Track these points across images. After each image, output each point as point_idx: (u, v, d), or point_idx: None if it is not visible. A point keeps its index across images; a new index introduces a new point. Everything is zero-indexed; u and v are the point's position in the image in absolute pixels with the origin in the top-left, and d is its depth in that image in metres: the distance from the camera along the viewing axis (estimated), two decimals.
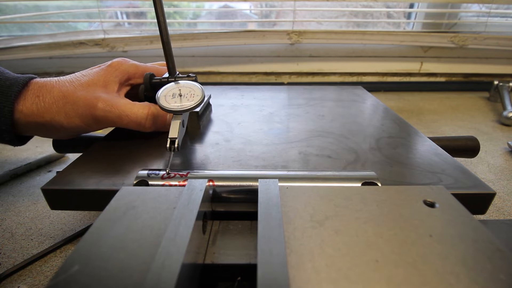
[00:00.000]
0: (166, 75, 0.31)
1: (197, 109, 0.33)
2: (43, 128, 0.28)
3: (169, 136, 0.24)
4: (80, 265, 0.13)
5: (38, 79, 0.28)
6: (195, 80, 0.30)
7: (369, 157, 0.28)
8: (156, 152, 0.29)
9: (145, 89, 0.31)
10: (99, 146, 0.30)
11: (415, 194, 0.19)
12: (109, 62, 0.31)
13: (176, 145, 0.24)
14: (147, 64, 0.35)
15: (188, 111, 0.26)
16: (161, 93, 0.27)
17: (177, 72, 0.31)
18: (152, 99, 0.29)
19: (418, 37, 0.75)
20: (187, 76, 0.30)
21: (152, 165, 0.26)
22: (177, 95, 0.26)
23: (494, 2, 0.73)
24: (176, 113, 0.25)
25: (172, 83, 0.28)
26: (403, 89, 0.83)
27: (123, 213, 0.17)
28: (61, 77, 0.29)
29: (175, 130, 0.24)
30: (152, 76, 0.31)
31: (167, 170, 0.23)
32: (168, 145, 0.24)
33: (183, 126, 0.27)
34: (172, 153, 0.24)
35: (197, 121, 0.33)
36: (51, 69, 0.76)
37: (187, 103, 0.26)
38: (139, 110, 0.29)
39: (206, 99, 0.38)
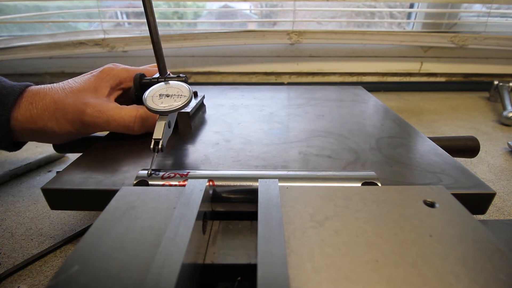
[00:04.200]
0: (157, 75, 0.31)
1: (188, 110, 0.33)
2: (36, 134, 0.29)
3: (153, 137, 0.24)
4: (80, 265, 0.13)
5: (33, 87, 0.29)
6: (185, 81, 0.30)
7: (369, 157, 0.28)
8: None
9: (135, 89, 0.31)
10: (99, 146, 0.30)
11: (415, 194, 0.19)
12: (100, 68, 0.32)
13: (160, 146, 0.24)
14: (138, 67, 0.35)
15: (175, 112, 0.26)
16: (148, 94, 0.27)
17: (168, 73, 0.31)
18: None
19: (418, 37, 0.75)
20: (177, 76, 0.30)
21: (152, 165, 0.26)
22: (164, 96, 0.26)
23: (494, 2, 0.73)
24: (162, 113, 0.25)
25: (161, 83, 0.28)
26: (403, 89, 0.83)
27: (123, 213, 0.17)
28: (55, 84, 0.30)
29: (159, 131, 0.24)
30: (142, 76, 0.31)
31: (149, 172, 0.23)
32: (152, 146, 0.24)
33: (169, 127, 0.26)
34: (156, 154, 0.24)
35: (188, 122, 0.33)
36: (51, 69, 0.76)
37: (173, 104, 0.25)
38: (126, 114, 0.30)
39: (198, 99, 0.38)
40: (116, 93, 0.32)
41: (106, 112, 0.29)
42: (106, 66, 0.32)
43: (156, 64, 0.31)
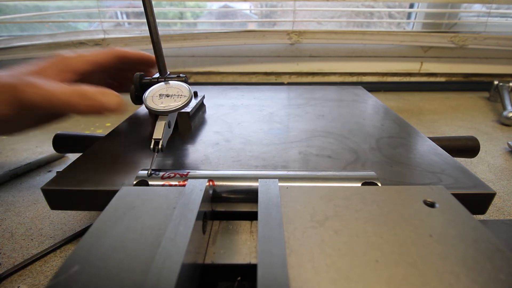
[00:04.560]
0: (157, 75, 0.31)
1: (188, 110, 0.33)
2: None
3: (153, 137, 0.24)
4: (80, 265, 0.13)
5: None
6: (185, 81, 0.30)
7: (369, 157, 0.28)
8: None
9: (135, 89, 0.31)
10: (99, 146, 0.30)
11: (415, 194, 0.19)
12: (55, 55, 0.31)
13: (160, 146, 0.24)
14: (95, 51, 0.33)
15: (175, 112, 0.26)
16: (148, 93, 0.27)
17: (168, 72, 0.31)
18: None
19: (418, 37, 0.75)
20: (177, 76, 0.30)
21: (152, 165, 0.26)
22: (164, 96, 0.26)
23: (494, 2, 0.73)
24: (162, 113, 0.25)
25: (161, 83, 0.28)
26: (403, 89, 0.83)
27: (123, 213, 0.17)
28: (7, 69, 0.28)
29: (159, 131, 0.24)
30: (142, 76, 0.31)
31: (149, 172, 0.23)
32: (151, 146, 0.24)
33: (169, 127, 0.26)
34: (156, 154, 0.24)
35: (188, 122, 0.33)
36: None
37: (173, 104, 0.25)
38: (68, 88, 0.27)
39: (198, 99, 0.38)
40: (67, 76, 0.30)
41: (45, 87, 0.26)
42: (60, 52, 0.31)
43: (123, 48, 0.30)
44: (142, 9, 0.27)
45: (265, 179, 0.20)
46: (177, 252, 0.13)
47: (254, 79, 0.81)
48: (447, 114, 0.65)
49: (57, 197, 0.24)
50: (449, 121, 0.61)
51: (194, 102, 0.37)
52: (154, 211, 0.17)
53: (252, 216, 0.21)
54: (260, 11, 0.82)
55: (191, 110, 0.34)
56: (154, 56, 0.32)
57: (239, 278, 0.17)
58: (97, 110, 0.28)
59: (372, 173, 0.22)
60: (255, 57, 0.79)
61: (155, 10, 0.28)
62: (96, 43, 0.70)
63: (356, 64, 0.81)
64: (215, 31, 0.72)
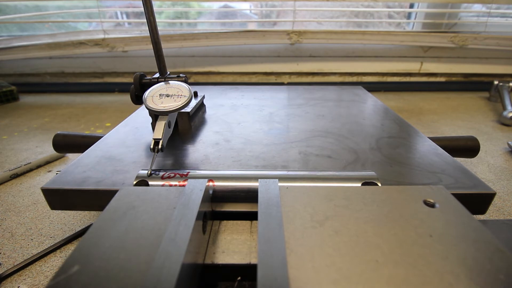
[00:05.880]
0: (157, 75, 0.31)
1: (188, 110, 0.33)
2: None
3: (153, 137, 0.24)
4: (80, 265, 0.13)
5: None
6: (185, 81, 0.30)
7: (369, 157, 0.28)
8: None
9: (135, 89, 0.31)
10: (99, 146, 0.30)
11: (415, 194, 0.19)
12: None
13: (160, 146, 0.24)
14: None
15: (175, 112, 0.26)
16: (148, 93, 0.27)
17: (168, 72, 0.31)
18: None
19: (418, 37, 0.75)
20: (177, 76, 0.30)
21: (152, 165, 0.26)
22: (164, 96, 0.26)
23: (494, 2, 0.73)
24: (162, 113, 0.25)
25: (161, 83, 0.28)
26: (403, 89, 0.83)
27: (123, 213, 0.17)
28: None
29: (159, 131, 0.24)
30: (142, 76, 0.31)
31: (149, 172, 0.23)
32: (151, 146, 0.24)
33: (170, 127, 0.26)
34: (156, 154, 0.24)
35: (188, 122, 0.33)
36: (51, 69, 0.76)
37: (173, 104, 0.25)
38: None
39: (198, 99, 0.38)
40: None
41: None
42: None
43: None
44: (142, 9, 0.27)
45: (265, 179, 0.20)
46: (177, 252, 0.13)
47: (254, 79, 0.81)
48: (447, 114, 0.65)
49: (57, 197, 0.24)
50: (449, 121, 0.61)
51: (194, 102, 0.37)
52: (154, 211, 0.17)
53: (252, 216, 0.21)
54: (260, 11, 0.82)
55: (191, 110, 0.34)
56: None
57: (239, 278, 0.17)
58: None
59: (372, 173, 0.22)
60: (255, 57, 0.79)
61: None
62: (96, 43, 0.70)
63: (356, 64, 0.81)
64: (215, 31, 0.72)
